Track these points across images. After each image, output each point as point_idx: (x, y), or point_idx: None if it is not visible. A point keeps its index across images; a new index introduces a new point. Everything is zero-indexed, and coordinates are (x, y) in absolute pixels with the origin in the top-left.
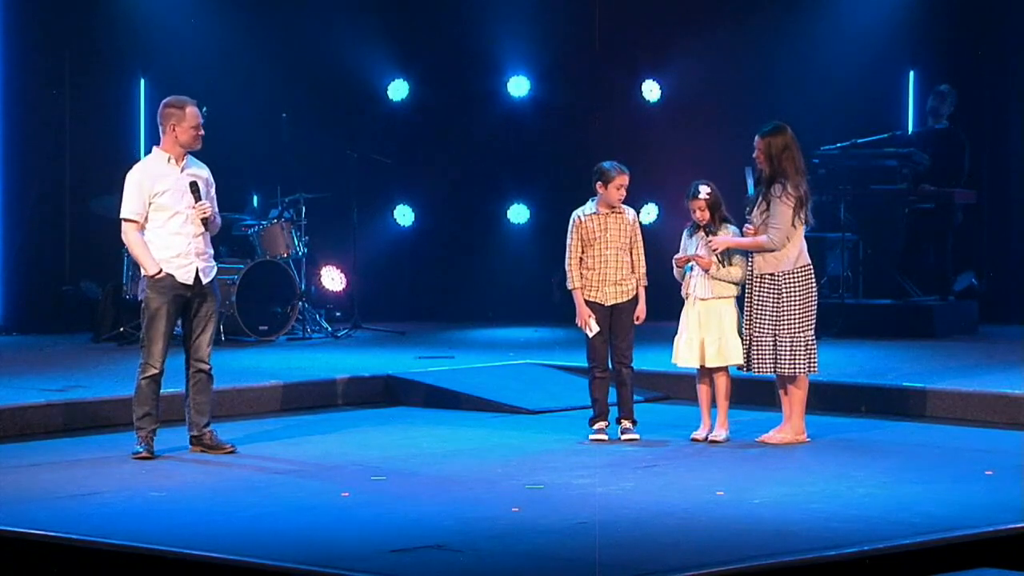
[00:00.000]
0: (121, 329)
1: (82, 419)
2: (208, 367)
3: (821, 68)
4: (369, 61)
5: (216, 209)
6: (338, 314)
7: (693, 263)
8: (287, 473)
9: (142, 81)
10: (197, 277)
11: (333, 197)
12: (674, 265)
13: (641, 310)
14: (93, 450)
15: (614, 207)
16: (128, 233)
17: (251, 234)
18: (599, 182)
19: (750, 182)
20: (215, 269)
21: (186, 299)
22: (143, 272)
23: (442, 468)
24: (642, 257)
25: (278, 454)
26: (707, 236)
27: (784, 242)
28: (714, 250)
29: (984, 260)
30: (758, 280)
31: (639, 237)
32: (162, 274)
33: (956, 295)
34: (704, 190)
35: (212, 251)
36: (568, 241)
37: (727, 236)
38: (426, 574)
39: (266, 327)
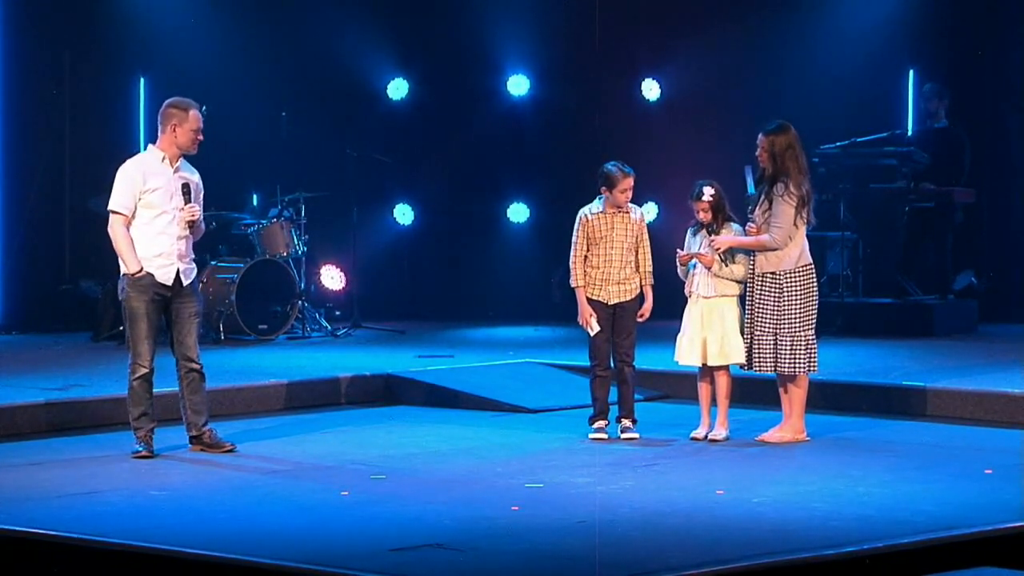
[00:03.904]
0: (120, 328)
1: (82, 418)
2: (198, 365)
3: (821, 68)
4: (369, 60)
5: (202, 215)
6: (338, 313)
7: (696, 261)
8: (287, 472)
9: (142, 81)
10: (177, 279)
11: (333, 196)
12: (677, 263)
13: (647, 308)
14: (93, 450)
15: (621, 207)
16: (115, 226)
17: (251, 233)
18: (604, 186)
19: (750, 181)
20: (195, 272)
21: (166, 299)
22: (123, 269)
23: (442, 467)
24: (648, 256)
25: (278, 453)
26: (710, 235)
27: (786, 241)
28: (717, 250)
29: (984, 259)
30: (759, 279)
31: (645, 236)
32: (142, 273)
33: (956, 294)
34: (708, 192)
35: (194, 255)
36: (573, 239)
37: (730, 235)
38: (426, 573)
39: (266, 326)
